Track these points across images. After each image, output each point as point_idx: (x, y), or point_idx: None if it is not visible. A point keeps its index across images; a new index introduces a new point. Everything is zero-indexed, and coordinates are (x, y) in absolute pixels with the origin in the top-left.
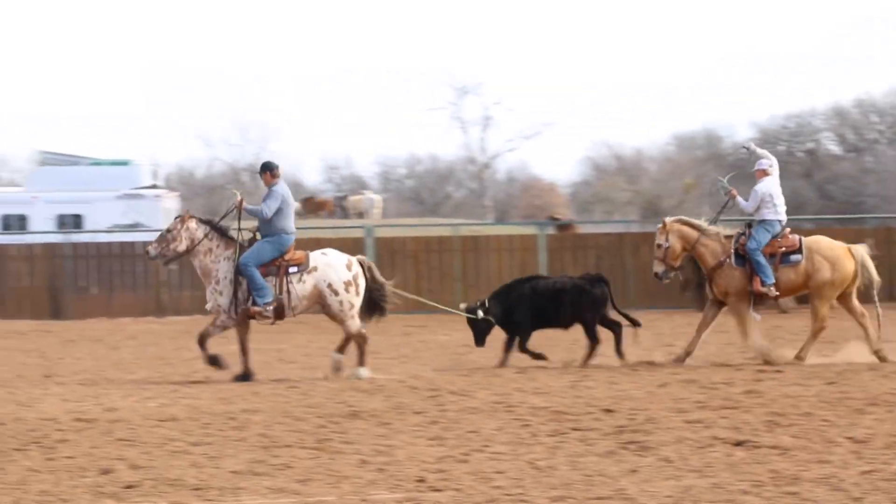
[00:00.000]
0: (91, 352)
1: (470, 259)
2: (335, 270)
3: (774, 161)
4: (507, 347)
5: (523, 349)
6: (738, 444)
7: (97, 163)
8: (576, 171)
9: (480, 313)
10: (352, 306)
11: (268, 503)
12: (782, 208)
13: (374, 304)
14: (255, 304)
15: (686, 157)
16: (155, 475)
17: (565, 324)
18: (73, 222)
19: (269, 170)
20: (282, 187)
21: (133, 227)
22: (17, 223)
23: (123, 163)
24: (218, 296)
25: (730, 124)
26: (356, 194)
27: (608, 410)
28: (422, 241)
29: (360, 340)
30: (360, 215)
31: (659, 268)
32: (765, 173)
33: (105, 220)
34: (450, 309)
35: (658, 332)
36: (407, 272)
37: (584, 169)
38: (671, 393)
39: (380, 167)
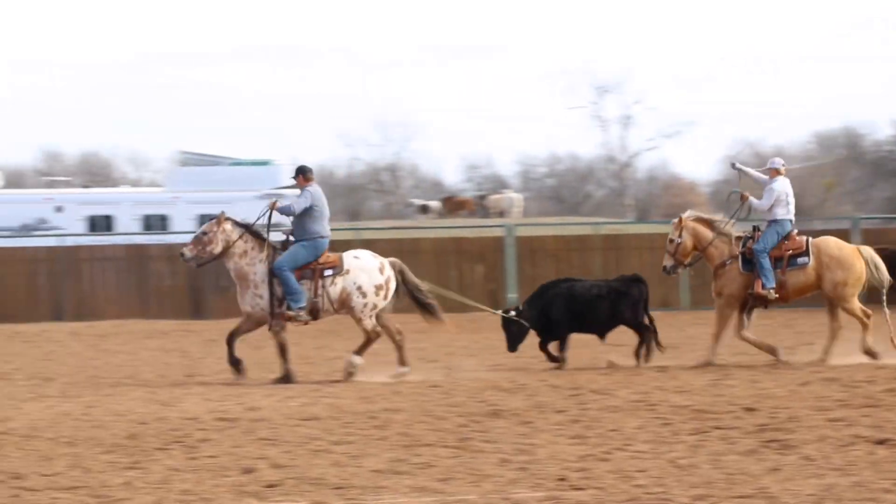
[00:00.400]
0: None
1: (611, 257)
2: (367, 273)
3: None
4: (561, 348)
5: (543, 348)
6: (880, 442)
7: (237, 163)
8: (716, 169)
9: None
10: (374, 307)
11: (409, 502)
12: (793, 208)
13: (421, 305)
14: (288, 308)
15: (827, 155)
16: (296, 474)
17: (603, 328)
18: None
19: (302, 173)
20: (315, 189)
21: (274, 226)
22: (159, 223)
23: (264, 163)
24: (259, 300)
25: (871, 122)
26: (496, 193)
27: (749, 409)
28: (562, 239)
29: (373, 336)
30: (501, 214)
31: (668, 262)
32: (778, 172)
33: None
34: (489, 309)
35: (799, 331)
36: (547, 271)
37: (725, 167)
38: (813, 391)
39: (520, 166)
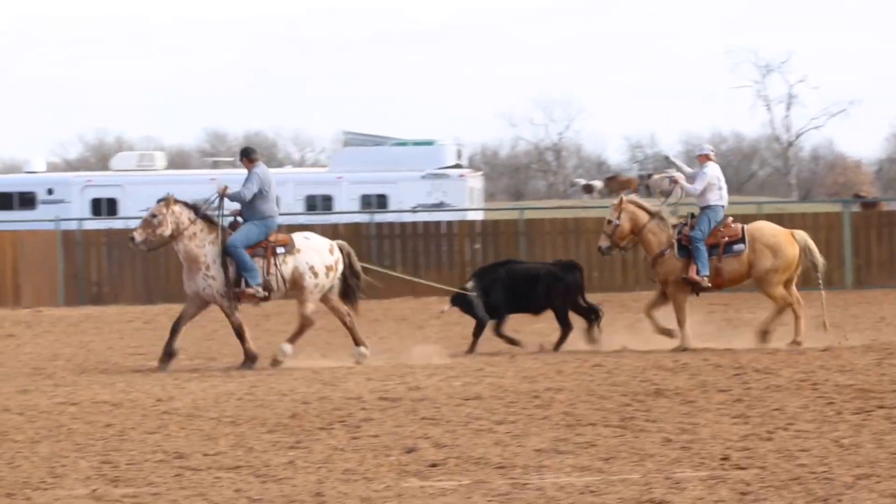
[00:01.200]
0: (396, 331)
1: None
2: (318, 253)
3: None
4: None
5: (499, 333)
6: None
7: (402, 143)
8: (882, 148)
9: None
10: (321, 290)
11: (572, 481)
12: (725, 194)
13: (350, 291)
14: (247, 285)
15: None
16: (459, 454)
17: (537, 310)
18: (377, 202)
19: (246, 155)
20: (262, 170)
21: (437, 206)
22: (322, 203)
23: (428, 143)
24: (212, 281)
25: None
26: (660, 173)
27: None
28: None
29: (308, 323)
30: (664, 194)
31: (604, 243)
32: (708, 158)
33: (409, 200)
34: (445, 287)
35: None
36: None
37: (891, 146)
38: None
39: (684, 145)
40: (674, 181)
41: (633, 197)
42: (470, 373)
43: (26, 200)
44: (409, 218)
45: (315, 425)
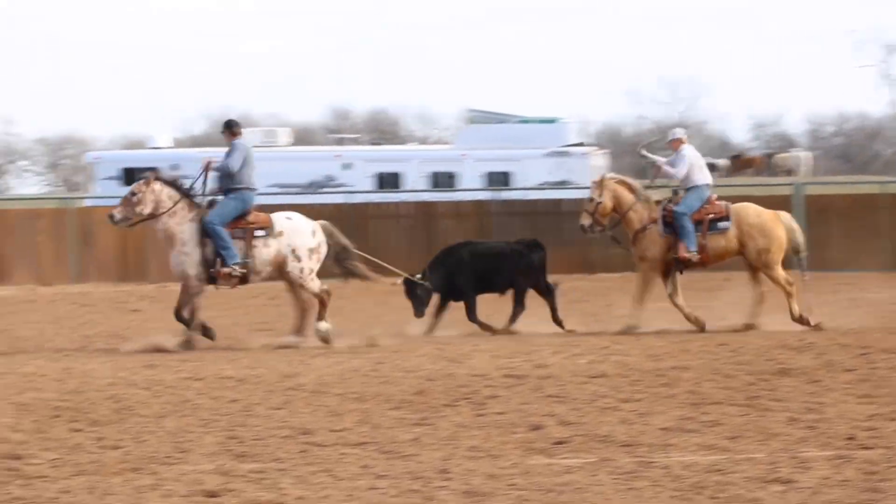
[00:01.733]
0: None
1: None
2: (301, 236)
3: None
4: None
5: (472, 319)
6: None
7: (525, 120)
8: None
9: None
10: (311, 272)
11: (697, 460)
12: (707, 172)
13: (344, 267)
14: (223, 264)
15: None
16: (584, 431)
17: (502, 289)
18: (501, 180)
19: (229, 128)
20: (242, 142)
21: (561, 184)
22: (446, 181)
23: (551, 120)
24: (186, 258)
25: None
26: (784, 152)
27: None
28: (850, 198)
29: (325, 296)
30: (789, 173)
31: (586, 221)
32: (682, 142)
33: (533, 178)
34: (399, 272)
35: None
36: (834, 230)
37: None
38: None
39: (809, 125)
40: (656, 167)
41: (615, 175)
42: (595, 350)
43: None
44: (532, 196)
45: (440, 402)
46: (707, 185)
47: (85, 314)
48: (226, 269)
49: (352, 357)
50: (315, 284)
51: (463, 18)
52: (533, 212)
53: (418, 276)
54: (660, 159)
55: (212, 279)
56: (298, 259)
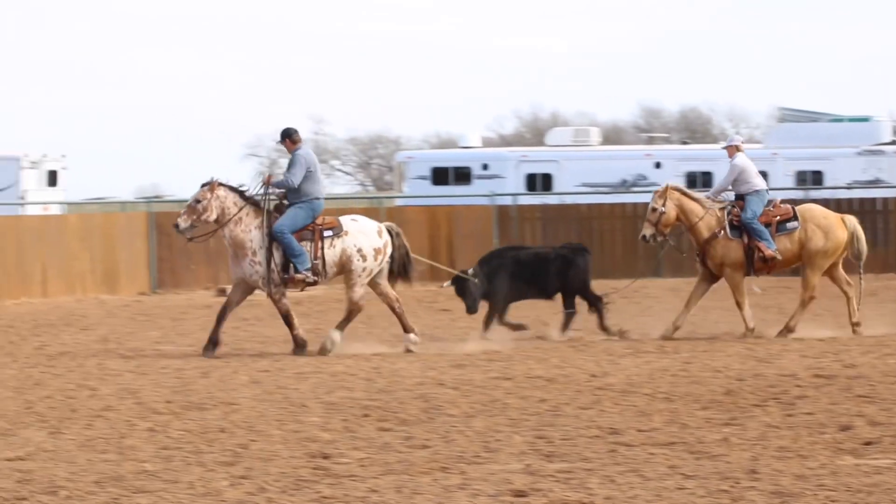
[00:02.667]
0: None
1: None
2: (367, 236)
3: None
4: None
5: (501, 321)
6: None
7: (837, 119)
8: None
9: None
10: (369, 273)
11: None
12: (762, 179)
13: (402, 270)
14: (296, 270)
15: None
16: (894, 432)
17: (548, 294)
18: (812, 178)
19: (288, 136)
20: (305, 152)
21: (873, 183)
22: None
23: (864, 119)
24: (259, 267)
25: None
26: None
27: None
28: None
29: (356, 309)
30: None
31: (648, 231)
32: (737, 149)
33: (845, 177)
34: (450, 269)
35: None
36: None
37: None
38: None
39: None
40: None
41: (677, 184)
42: None
43: (462, 175)
44: (844, 195)
45: (749, 402)
46: (766, 189)
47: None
48: (299, 276)
49: (661, 356)
50: (360, 291)
51: (775, 14)
52: (845, 211)
53: (470, 270)
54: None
55: (283, 283)
56: (364, 258)
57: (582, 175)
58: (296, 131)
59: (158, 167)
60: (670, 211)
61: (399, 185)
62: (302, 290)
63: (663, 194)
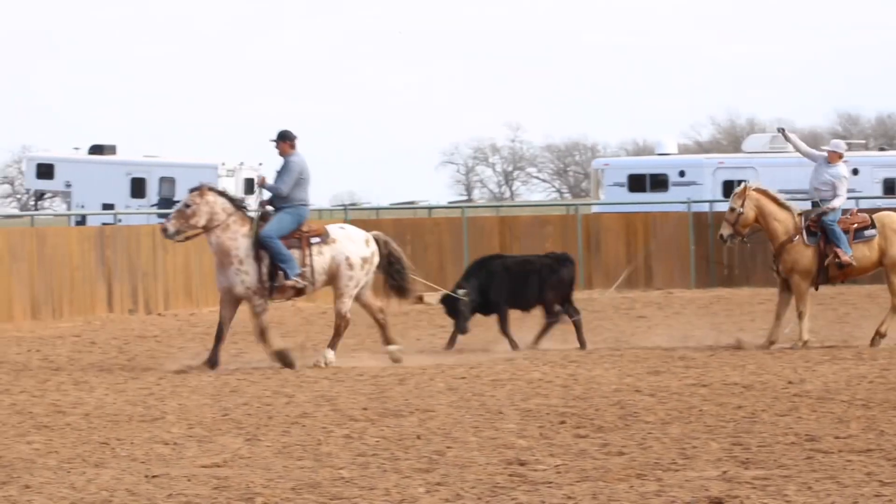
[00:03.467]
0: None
1: None
2: (354, 244)
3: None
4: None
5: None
6: None
7: None
8: None
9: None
10: (357, 284)
11: None
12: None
13: (395, 281)
14: (285, 277)
15: None
16: None
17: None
18: None
19: (286, 139)
20: (299, 158)
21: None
22: None
23: None
24: (245, 276)
25: None
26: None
27: None
28: None
29: (344, 323)
30: None
31: (726, 231)
32: (841, 157)
33: None
34: (441, 289)
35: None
36: None
37: None
38: None
39: None
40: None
41: (756, 184)
42: None
43: (658, 182)
44: None
45: None
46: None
47: (592, 320)
48: (290, 282)
49: (858, 363)
50: (347, 303)
51: None
52: None
53: (461, 291)
54: (803, 146)
55: (269, 292)
56: (351, 267)
57: (779, 181)
58: (293, 135)
59: (354, 175)
60: (749, 211)
61: (595, 193)
62: (289, 300)
63: (742, 195)
